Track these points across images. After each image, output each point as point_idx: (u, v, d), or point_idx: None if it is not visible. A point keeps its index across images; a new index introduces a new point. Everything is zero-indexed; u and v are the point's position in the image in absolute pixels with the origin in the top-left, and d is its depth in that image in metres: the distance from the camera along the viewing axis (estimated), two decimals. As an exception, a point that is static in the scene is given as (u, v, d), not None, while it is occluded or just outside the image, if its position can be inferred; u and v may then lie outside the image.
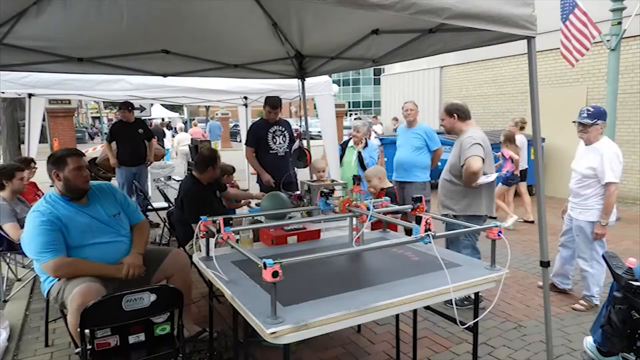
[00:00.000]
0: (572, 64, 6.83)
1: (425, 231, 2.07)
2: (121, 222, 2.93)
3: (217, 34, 3.57)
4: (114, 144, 6.47)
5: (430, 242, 2.07)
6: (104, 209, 2.87)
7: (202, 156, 3.98)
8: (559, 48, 9.28)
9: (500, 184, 6.70)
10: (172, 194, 6.06)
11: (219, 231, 2.26)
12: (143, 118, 8.47)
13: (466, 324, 2.33)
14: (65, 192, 2.75)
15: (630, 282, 2.06)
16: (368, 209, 2.62)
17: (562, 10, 6.64)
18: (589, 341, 3.00)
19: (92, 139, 31.99)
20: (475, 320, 2.36)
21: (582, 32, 6.53)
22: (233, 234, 2.32)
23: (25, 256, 4.22)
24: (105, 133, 16.00)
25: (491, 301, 3.74)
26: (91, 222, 2.77)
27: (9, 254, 4.05)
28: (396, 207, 3.06)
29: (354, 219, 2.83)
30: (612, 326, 2.15)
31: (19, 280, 4.51)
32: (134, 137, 6.44)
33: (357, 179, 2.93)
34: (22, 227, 4.01)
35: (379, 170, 4.43)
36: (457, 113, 3.74)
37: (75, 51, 3.58)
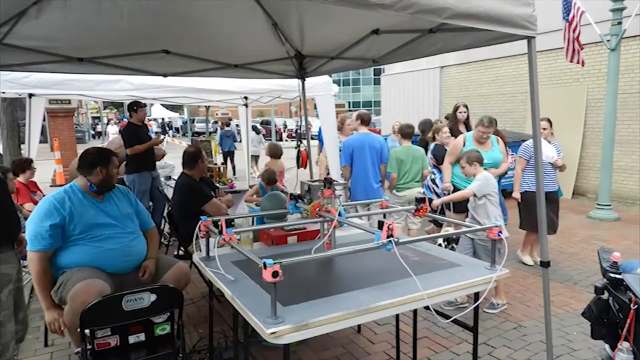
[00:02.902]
0: (577, 62, 6.84)
1: (388, 237, 1.94)
2: (133, 220, 2.97)
3: (218, 34, 3.58)
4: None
5: (392, 249, 1.95)
6: (119, 207, 2.92)
7: (188, 154, 4.12)
8: (559, 48, 9.29)
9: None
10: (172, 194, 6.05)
11: (220, 232, 2.26)
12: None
13: (464, 323, 2.33)
14: (98, 186, 2.80)
15: (610, 274, 2.25)
16: (340, 214, 2.50)
17: (563, 8, 6.65)
18: None
19: (96, 138, 31.91)
20: (473, 310, 2.36)
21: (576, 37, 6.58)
22: (235, 235, 2.30)
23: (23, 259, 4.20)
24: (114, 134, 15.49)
25: (487, 299, 3.77)
26: (102, 215, 2.79)
27: None
28: (398, 208, 3.02)
29: (325, 224, 2.73)
30: (590, 314, 2.32)
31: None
32: (147, 138, 5.86)
33: (327, 182, 2.76)
34: None
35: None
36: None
37: (76, 51, 3.58)
